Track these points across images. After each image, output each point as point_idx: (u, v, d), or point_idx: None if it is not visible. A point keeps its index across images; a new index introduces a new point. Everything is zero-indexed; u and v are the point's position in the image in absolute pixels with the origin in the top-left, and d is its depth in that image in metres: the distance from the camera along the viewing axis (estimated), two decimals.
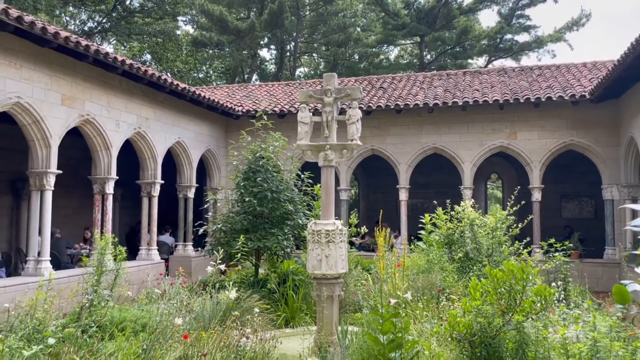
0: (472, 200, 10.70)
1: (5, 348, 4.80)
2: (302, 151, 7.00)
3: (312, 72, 36.86)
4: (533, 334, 4.89)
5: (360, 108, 14.46)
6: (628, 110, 12.13)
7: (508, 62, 33.51)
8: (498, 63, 33.54)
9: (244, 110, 15.26)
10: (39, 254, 9.45)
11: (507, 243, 8.63)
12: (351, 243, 12.17)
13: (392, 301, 4.76)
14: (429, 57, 34.17)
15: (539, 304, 5.01)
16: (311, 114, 7.13)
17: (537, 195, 13.73)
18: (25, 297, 7.06)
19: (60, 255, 11.09)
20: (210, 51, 32.63)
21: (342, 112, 7.27)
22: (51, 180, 9.57)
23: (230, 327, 5.50)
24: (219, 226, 9.62)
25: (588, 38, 67.89)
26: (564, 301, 7.57)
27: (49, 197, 9.58)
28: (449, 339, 5.14)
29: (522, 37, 32.35)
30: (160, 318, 5.68)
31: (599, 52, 67.55)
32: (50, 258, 9.59)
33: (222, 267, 7.27)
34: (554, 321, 5.23)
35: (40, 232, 9.48)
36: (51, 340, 5.48)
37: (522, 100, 13.18)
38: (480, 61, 34.29)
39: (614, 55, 27.00)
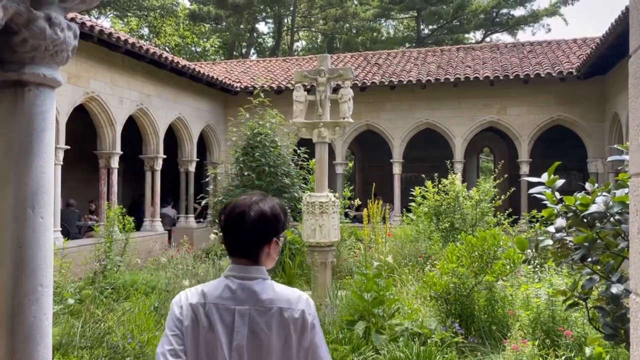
0: (459, 174, 11.23)
1: None
2: (298, 128, 7.53)
3: (310, 47, 36.99)
4: (502, 292, 5.50)
5: (355, 84, 14.90)
6: (613, 86, 12.60)
7: (504, 37, 33.69)
8: (494, 37, 33.73)
9: (242, 87, 15.68)
10: None
11: (489, 214, 9.20)
12: (346, 215, 12.78)
13: (375, 263, 5.35)
14: (426, 31, 34.31)
15: (508, 267, 5.61)
16: (306, 92, 7.63)
17: (525, 169, 14.28)
18: None
19: (69, 227, 11.68)
20: (208, 25, 32.74)
21: (336, 89, 7.76)
22: (60, 156, 10.09)
23: None
24: (219, 199, 10.20)
25: (583, 12, 67.54)
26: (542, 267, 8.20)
27: (57, 171, 10.10)
28: (428, 298, 5.75)
29: (519, 11, 32.49)
30: (169, 281, 6.28)
31: (593, 27, 67.26)
32: (60, 229, 10.19)
33: None
34: (521, 281, 5.83)
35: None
36: (70, 301, 6.10)
37: (511, 77, 13.62)
38: (477, 35, 34.45)
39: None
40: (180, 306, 1.79)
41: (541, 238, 2.39)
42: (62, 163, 10.18)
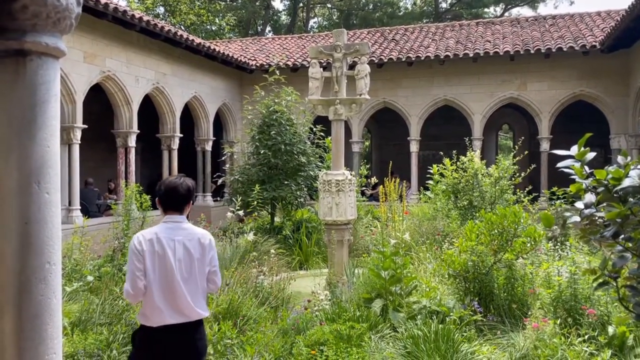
0: (478, 151, 11.05)
1: None
2: (313, 105, 7.42)
3: (326, 23, 36.52)
4: (522, 270, 5.40)
5: (372, 61, 14.67)
6: (638, 60, 12.21)
7: (524, 11, 32.86)
8: (515, 12, 32.89)
9: (257, 65, 15.54)
10: (69, 203, 10.14)
11: (509, 191, 9.04)
12: (362, 193, 12.70)
13: (392, 241, 5.28)
14: (444, 5, 33.60)
15: (529, 244, 5.51)
16: (322, 69, 7.50)
17: (545, 146, 14.00)
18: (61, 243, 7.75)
19: (89, 205, 11.79)
20: (223, 3, 32.46)
21: (352, 66, 7.62)
22: (77, 135, 10.14)
23: (249, 267, 6.10)
24: (236, 177, 10.19)
25: None
26: (563, 244, 8.06)
27: (76, 150, 10.17)
28: (446, 276, 5.68)
29: None
30: None
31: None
32: (80, 207, 10.29)
33: (241, 213, 7.83)
34: (542, 260, 5.72)
35: (69, 184, 10.14)
36: (89, 278, 6.16)
37: (532, 51, 13.27)
38: (497, 10, 33.63)
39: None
40: (140, 241, 2.99)
41: (568, 214, 2.28)
42: (80, 142, 10.23)
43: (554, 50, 13.12)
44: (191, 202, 3.19)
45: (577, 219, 2.22)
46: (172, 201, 3.11)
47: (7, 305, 1.35)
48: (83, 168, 12.76)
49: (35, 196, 1.36)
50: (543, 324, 4.44)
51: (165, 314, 2.96)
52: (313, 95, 7.24)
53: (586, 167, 2.04)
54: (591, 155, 1.99)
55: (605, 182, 1.86)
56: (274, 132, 9.92)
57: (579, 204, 2.03)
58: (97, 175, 15.17)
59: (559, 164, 2.04)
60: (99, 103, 12.54)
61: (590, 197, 1.99)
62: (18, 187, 1.34)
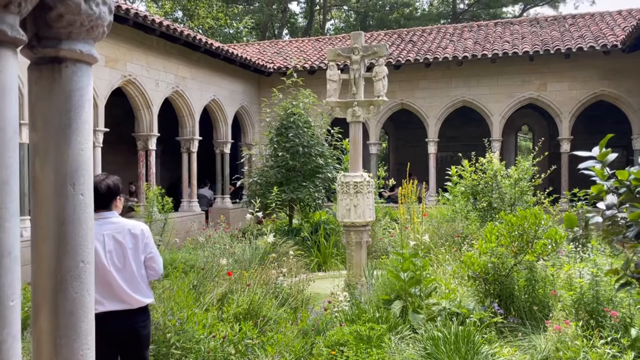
0: (497, 152, 10.97)
1: None
2: (331, 108, 7.45)
3: (343, 25, 36.56)
4: (543, 272, 5.36)
5: (389, 62, 14.69)
6: None
7: (544, 10, 32.51)
8: (533, 11, 32.56)
9: (275, 67, 15.63)
10: None
11: (529, 193, 8.97)
12: (380, 195, 12.70)
13: (412, 243, 5.28)
14: (462, 6, 33.40)
15: (550, 246, 5.47)
16: (339, 71, 7.53)
17: (565, 147, 13.85)
18: None
19: None
20: (241, 6, 32.70)
21: (370, 68, 7.64)
22: (100, 138, 10.31)
23: (269, 268, 6.15)
24: (254, 179, 10.27)
25: None
26: (585, 246, 7.97)
27: (98, 153, 10.35)
28: (466, 278, 5.66)
29: None
30: (207, 259, 6.38)
31: None
32: None
33: (260, 214, 7.90)
34: (563, 261, 5.67)
35: None
36: None
37: (552, 52, 13.14)
38: (516, 10, 33.33)
39: None
40: None
41: (590, 215, 2.29)
42: (102, 145, 10.41)
43: (574, 50, 12.97)
44: (119, 198, 3.46)
45: (599, 220, 2.22)
46: (95, 200, 3.35)
47: (43, 303, 1.41)
48: (104, 171, 12.98)
49: (71, 198, 1.42)
50: (565, 326, 4.41)
51: (104, 303, 3.17)
52: (331, 97, 7.28)
53: (607, 168, 2.04)
54: (612, 156, 1.99)
55: (628, 182, 1.87)
56: (291, 134, 9.98)
57: (601, 205, 2.03)
58: (119, 177, 15.38)
59: (580, 165, 2.04)
60: (120, 107, 12.73)
61: (612, 198, 2.00)
62: (54, 189, 1.40)
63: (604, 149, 1.99)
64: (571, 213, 2.09)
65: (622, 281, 1.96)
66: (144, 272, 3.33)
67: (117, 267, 3.23)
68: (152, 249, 3.39)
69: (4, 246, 1.21)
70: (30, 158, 1.45)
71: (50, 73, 1.41)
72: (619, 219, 2.01)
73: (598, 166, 2.10)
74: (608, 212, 2.01)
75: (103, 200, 3.33)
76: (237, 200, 14.90)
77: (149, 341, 3.51)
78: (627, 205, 1.88)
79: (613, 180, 1.99)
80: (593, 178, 2.19)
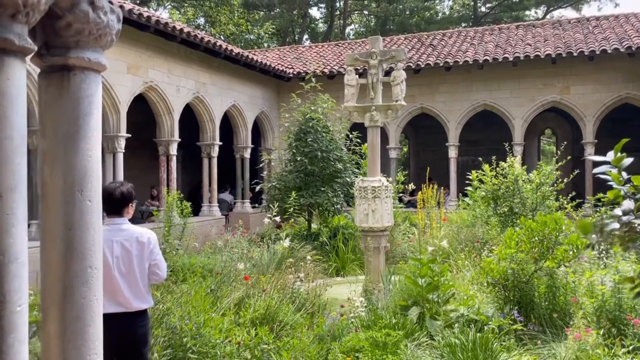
0: (519, 157, 10.82)
1: None
2: (349, 112, 7.45)
3: (363, 30, 36.55)
4: (564, 279, 5.26)
5: (408, 66, 14.62)
6: None
7: (567, 13, 32.04)
8: (556, 14, 32.12)
9: (294, 73, 15.69)
10: None
11: (551, 198, 8.82)
12: (400, 199, 12.63)
13: (430, 248, 5.23)
14: (483, 9, 33.12)
15: (571, 252, 5.36)
16: (357, 76, 7.52)
17: (589, 150, 13.59)
18: None
19: None
20: (262, 13, 32.95)
21: (389, 72, 7.60)
22: (122, 143, 10.48)
23: (286, 273, 6.15)
24: (273, 184, 10.31)
25: None
26: (608, 253, 7.80)
27: (120, 158, 10.51)
28: (485, 284, 5.59)
29: None
30: (224, 264, 6.42)
31: None
32: None
33: (278, 219, 7.92)
34: (585, 268, 5.56)
35: None
36: None
37: (575, 54, 12.93)
38: (538, 12, 32.92)
39: None
40: None
41: (607, 221, 2.23)
42: (124, 151, 10.56)
43: (597, 52, 12.74)
44: (130, 205, 3.59)
45: (616, 226, 2.17)
46: (109, 206, 3.47)
47: (52, 308, 1.43)
48: (127, 176, 13.17)
49: (79, 204, 1.44)
50: (585, 334, 4.31)
51: (106, 304, 3.33)
52: (349, 102, 7.27)
53: (624, 173, 1.99)
54: (628, 160, 1.94)
55: None
56: (310, 139, 10.00)
57: (617, 211, 1.98)
58: (140, 182, 15.58)
59: (594, 170, 2.00)
60: (142, 113, 12.91)
61: (628, 204, 1.94)
62: (62, 195, 1.42)
63: (619, 154, 1.94)
64: (586, 220, 2.04)
65: (637, 290, 1.90)
66: (146, 278, 3.52)
67: (122, 272, 3.41)
68: (157, 256, 3.56)
69: (12, 252, 1.23)
70: (39, 164, 1.47)
71: (59, 81, 1.44)
72: (636, 225, 1.96)
73: (614, 171, 2.05)
74: (624, 218, 1.96)
75: (116, 206, 3.50)
76: (257, 205, 14.97)
77: (147, 340, 3.62)
78: None
79: (629, 185, 1.94)
80: (610, 183, 2.15)
